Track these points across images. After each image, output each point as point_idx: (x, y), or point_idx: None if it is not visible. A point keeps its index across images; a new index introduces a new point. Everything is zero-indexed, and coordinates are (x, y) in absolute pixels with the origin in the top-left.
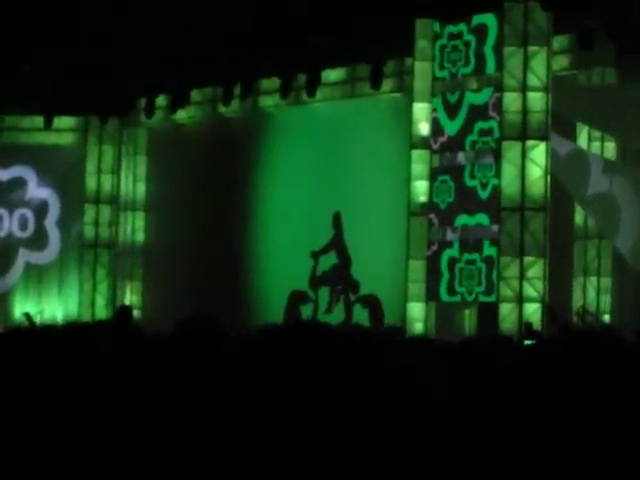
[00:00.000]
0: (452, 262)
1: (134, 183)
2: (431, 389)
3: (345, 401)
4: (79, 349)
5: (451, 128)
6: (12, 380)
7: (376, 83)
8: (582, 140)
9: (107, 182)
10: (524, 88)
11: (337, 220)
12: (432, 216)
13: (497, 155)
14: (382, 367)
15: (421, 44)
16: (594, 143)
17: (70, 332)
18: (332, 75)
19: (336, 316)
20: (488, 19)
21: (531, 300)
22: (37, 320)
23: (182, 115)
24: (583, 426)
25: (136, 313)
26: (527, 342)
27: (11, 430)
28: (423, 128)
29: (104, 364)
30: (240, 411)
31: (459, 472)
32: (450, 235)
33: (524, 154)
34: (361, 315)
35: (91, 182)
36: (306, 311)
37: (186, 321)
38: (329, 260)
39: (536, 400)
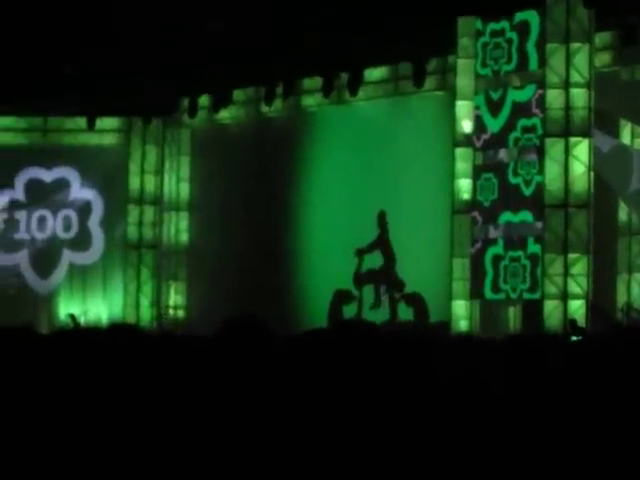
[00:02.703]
0: (496, 260)
1: (177, 183)
2: (481, 386)
3: (393, 399)
4: (123, 352)
5: (494, 125)
6: (59, 381)
7: (419, 81)
8: (625, 136)
9: (150, 182)
10: (567, 85)
11: (382, 219)
12: (476, 214)
13: (540, 152)
14: (430, 365)
15: (463, 42)
16: (637, 139)
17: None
18: (374, 74)
19: (381, 314)
20: (530, 16)
21: (575, 297)
22: (82, 321)
23: (225, 115)
24: (631, 420)
25: (180, 313)
26: (574, 338)
27: (55, 428)
28: (466, 126)
29: (150, 365)
30: (289, 412)
31: (513, 466)
32: (494, 233)
33: (567, 151)
34: (405, 313)
35: (134, 183)
36: (350, 310)
37: (231, 322)
38: (374, 259)
39: (586, 396)
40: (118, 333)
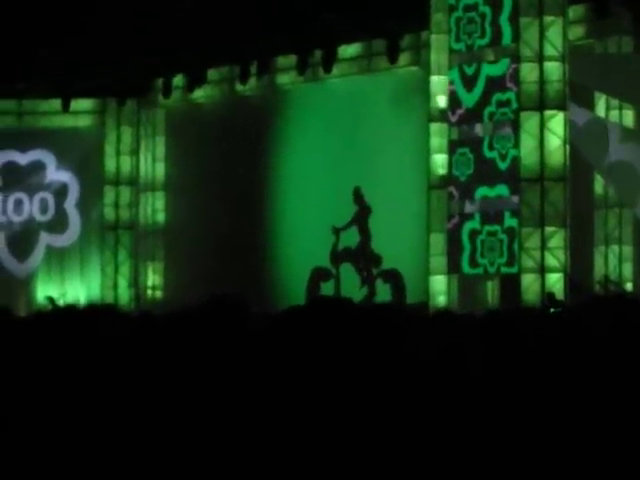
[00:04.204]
0: (473, 234)
1: (153, 164)
2: (458, 362)
3: (369, 376)
4: (101, 332)
5: (469, 100)
6: (37, 365)
7: (393, 57)
8: (600, 109)
9: (126, 163)
10: (541, 58)
11: (358, 195)
12: (452, 189)
13: (515, 126)
14: (406, 342)
15: (437, 17)
16: (612, 112)
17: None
18: (349, 50)
19: (359, 292)
20: None
21: (553, 270)
22: (60, 303)
23: (199, 94)
24: (611, 391)
25: (158, 293)
26: (552, 311)
27: (34, 417)
28: (441, 101)
29: (127, 345)
30: (265, 390)
31: (490, 445)
32: (470, 207)
33: (542, 124)
34: (383, 290)
35: (110, 164)
36: (327, 288)
37: (211, 300)
38: (350, 236)
39: (565, 368)
40: (97, 314)
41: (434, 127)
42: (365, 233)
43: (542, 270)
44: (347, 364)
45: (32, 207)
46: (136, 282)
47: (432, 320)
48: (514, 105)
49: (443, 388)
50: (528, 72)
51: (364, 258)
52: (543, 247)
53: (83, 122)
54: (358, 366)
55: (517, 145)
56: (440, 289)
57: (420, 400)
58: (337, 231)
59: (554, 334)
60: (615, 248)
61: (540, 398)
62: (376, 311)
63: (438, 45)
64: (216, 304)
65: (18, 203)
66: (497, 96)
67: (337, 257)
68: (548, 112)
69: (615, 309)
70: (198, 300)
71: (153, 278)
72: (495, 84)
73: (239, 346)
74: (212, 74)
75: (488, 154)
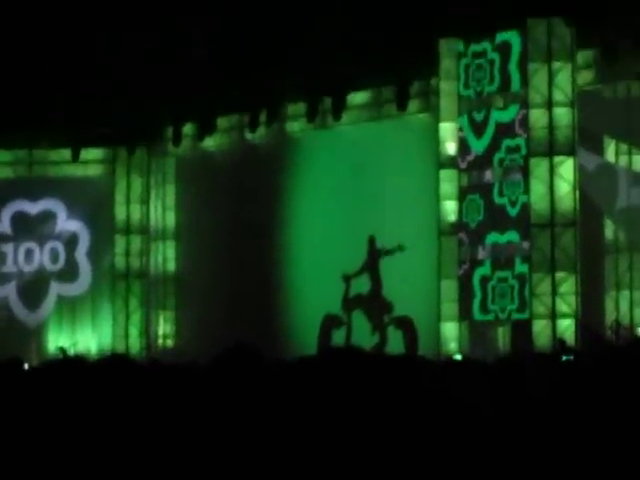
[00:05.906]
0: (484, 280)
1: (164, 212)
2: (472, 408)
3: (385, 424)
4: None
5: (478, 146)
6: (51, 412)
7: (402, 104)
8: (610, 154)
9: (136, 212)
10: (550, 104)
11: (372, 243)
12: (462, 235)
13: (525, 172)
14: (420, 390)
15: (445, 64)
16: (622, 157)
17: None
18: (358, 98)
19: (370, 338)
20: (511, 36)
21: (564, 316)
22: (71, 353)
23: (209, 143)
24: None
25: (169, 342)
26: (564, 358)
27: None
28: (450, 147)
29: (143, 394)
30: (281, 437)
31: None
32: (481, 253)
33: (552, 170)
34: (395, 337)
35: (120, 212)
36: (339, 335)
37: (227, 352)
38: (361, 283)
39: (579, 414)
40: (115, 365)
41: (444, 173)
42: (376, 280)
43: (553, 316)
44: (359, 414)
45: (43, 256)
46: (147, 331)
47: (444, 369)
48: (524, 151)
49: (455, 437)
50: (537, 118)
51: (376, 305)
52: (554, 293)
53: (93, 171)
54: (369, 416)
55: (527, 191)
56: (451, 335)
57: (432, 448)
58: (348, 278)
59: (568, 382)
60: (626, 293)
61: (551, 444)
62: (387, 363)
63: (447, 92)
64: (234, 356)
65: (29, 253)
66: (506, 142)
67: (348, 304)
68: (558, 158)
69: (629, 358)
70: (210, 349)
71: (164, 326)
72: (504, 130)
73: (257, 395)
74: (222, 122)
75: (498, 200)
